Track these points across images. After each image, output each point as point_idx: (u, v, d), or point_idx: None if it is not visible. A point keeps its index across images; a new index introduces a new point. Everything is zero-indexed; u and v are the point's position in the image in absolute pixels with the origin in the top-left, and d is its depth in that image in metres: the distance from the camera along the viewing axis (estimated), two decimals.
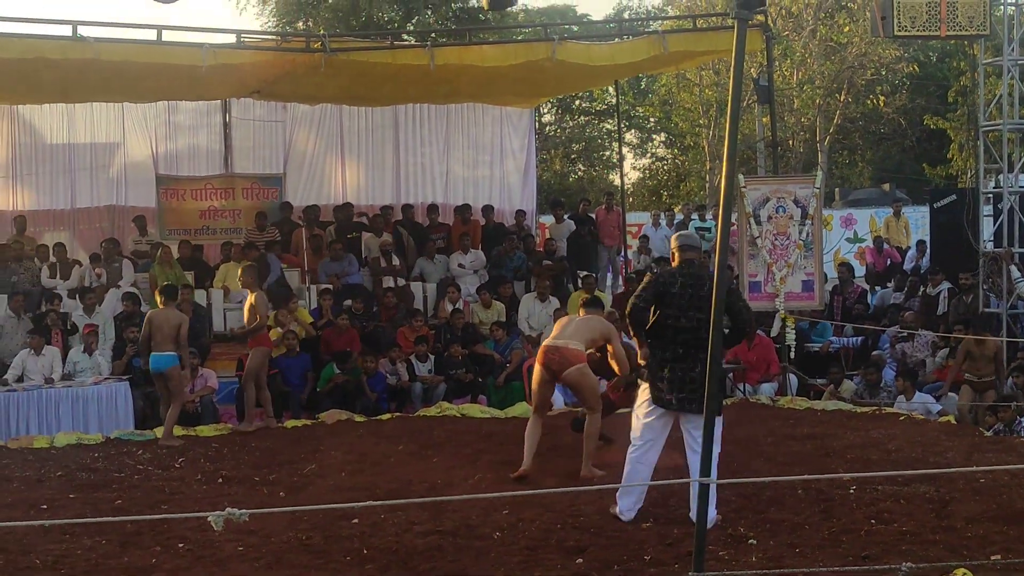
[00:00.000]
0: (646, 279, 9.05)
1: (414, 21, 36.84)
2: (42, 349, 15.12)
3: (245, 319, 14.46)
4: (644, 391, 8.88)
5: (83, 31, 14.58)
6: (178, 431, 13.67)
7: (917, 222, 26.56)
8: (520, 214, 21.72)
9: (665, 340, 8.64)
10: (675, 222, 24.44)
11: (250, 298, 14.25)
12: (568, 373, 10.42)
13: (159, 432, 13.54)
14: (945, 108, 32.42)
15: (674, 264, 9.02)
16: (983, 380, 14.80)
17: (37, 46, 14.46)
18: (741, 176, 16.73)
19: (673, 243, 9.16)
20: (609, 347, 10.81)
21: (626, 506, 8.67)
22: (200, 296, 17.35)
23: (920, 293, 18.54)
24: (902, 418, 13.49)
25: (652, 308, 8.73)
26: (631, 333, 9.12)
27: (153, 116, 20.09)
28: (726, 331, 8.07)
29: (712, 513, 7.90)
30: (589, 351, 10.70)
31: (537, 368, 10.70)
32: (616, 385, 11.13)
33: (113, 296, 17.06)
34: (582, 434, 10.61)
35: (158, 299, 14.00)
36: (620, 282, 21.47)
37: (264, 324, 14.51)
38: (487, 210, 21.17)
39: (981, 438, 12.14)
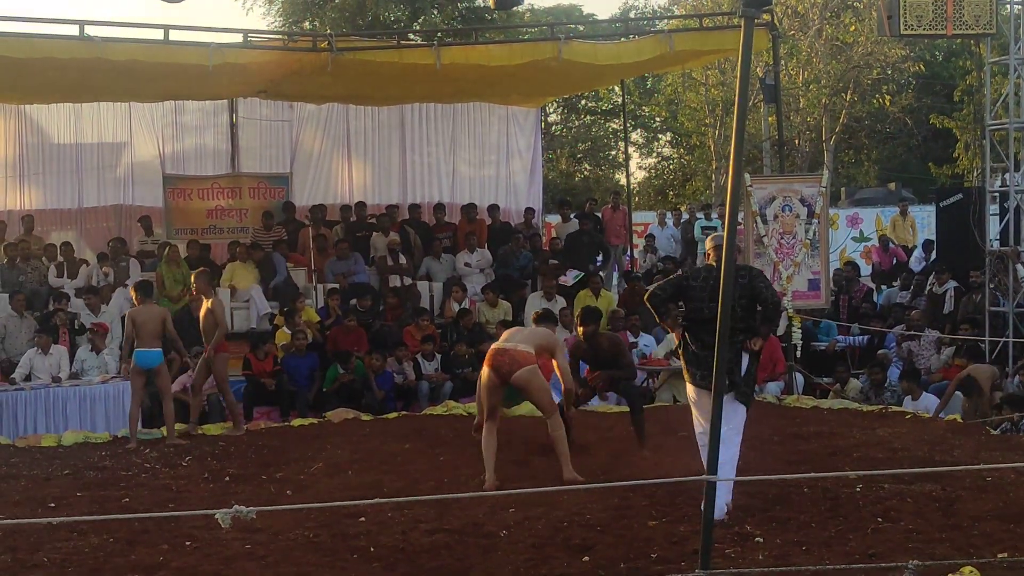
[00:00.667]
0: (668, 277, 9.70)
1: (420, 21, 36.88)
2: (50, 348, 15.14)
3: (201, 326, 14.04)
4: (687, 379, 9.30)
5: (90, 31, 14.63)
6: (184, 429, 13.70)
7: (923, 221, 26.54)
8: (529, 212, 21.75)
9: (695, 331, 8.98)
10: (681, 221, 24.46)
11: (206, 303, 13.92)
12: (518, 375, 10.11)
13: (164, 431, 13.57)
14: (951, 107, 32.31)
15: (710, 262, 9.34)
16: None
17: (44, 46, 14.50)
18: (747, 175, 16.76)
19: (708, 244, 9.47)
20: (553, 360, 10.61)
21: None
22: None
23: (926, 292, 18.53)
24: (908, 417, 13.49)
25: (677, 301, 9.27)
26: (657, 320, 9.71)
27: (160, 116, 20.14)
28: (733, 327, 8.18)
29: (723, 503, 8.30)
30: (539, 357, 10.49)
31: (485, 371, 10.35)
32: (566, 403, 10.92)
33: (120, 295, 17.09)
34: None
35: (134, 296, 13.86)
36: (617, 280, 21.51)
37: (225, 330, 14.17)
38: (493, 209, 21.18)
39: (988, 436, 12.14)
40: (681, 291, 9.15)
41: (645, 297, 9.47)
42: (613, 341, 12.08)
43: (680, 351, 9.33)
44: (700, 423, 9.14)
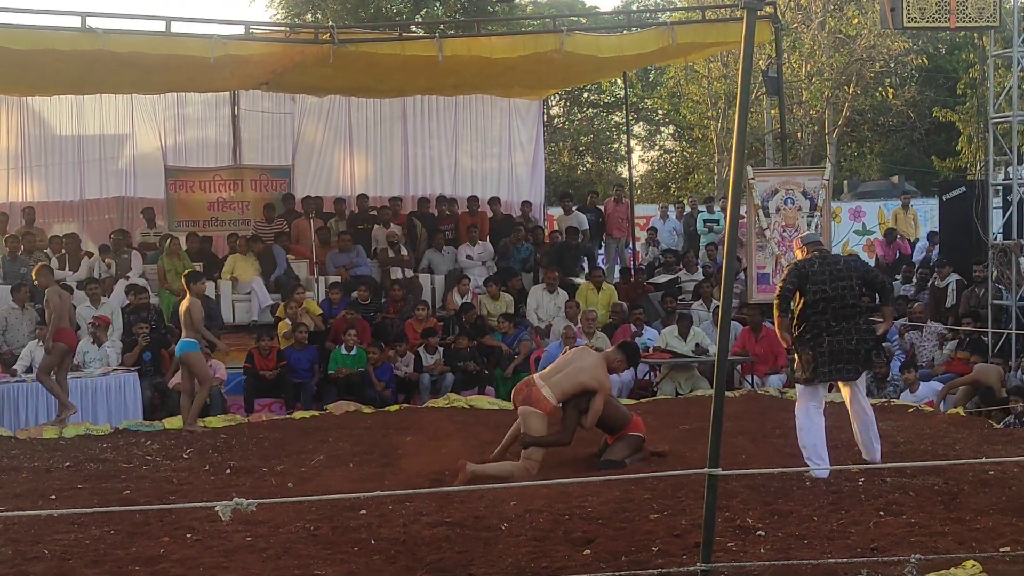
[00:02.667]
0: (787, 271, 10.20)
1: (422, 13, 36.76)
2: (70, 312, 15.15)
3: (48, 317, 13.96)
4: (799, 367, 10.02)
5: (92, 22, 14.64)
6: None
7: (926, 214, 26.49)
8: (526, 205, 21.73)
9: (817, 315, 9.80)
10: (684, 214, 24.44)
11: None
12: (523, 409, 10.42)
13: (169, 423, 13.61)
14: (954, 100, 32.23)
15: (806, 256, 10.14)
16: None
17: (46, 38, 14.51)
18: (750, 168, 16.75)
19: (797, 245, 10.50)
20: (594, 401, 10.48)
21: (821, 464, 9.61)
22: (209, 288, 17.35)
23: (928, 286, 18.50)
24: (910, 410, 13.48)
25: (796, 294, 9.97)
26: (775, 321, 10.18)
27: (162, 108, 20.16)
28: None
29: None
30: (562, 401, 10.43)
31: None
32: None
33: (122, 287, 17.09)
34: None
35: (188, 286, 13.89)
36: (617, 274, 21.47)
37: (62, 319, 13.83)
38: (494, 202, 21.18)
39: (990, 430, 12.12)
40: (801, 280, 9.87)
41: (777, 297, 10.05)
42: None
43: (802, 352, 9.90)
44: (802, 407, 9.93)
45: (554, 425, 10.45)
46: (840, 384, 10.17)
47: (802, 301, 9.91)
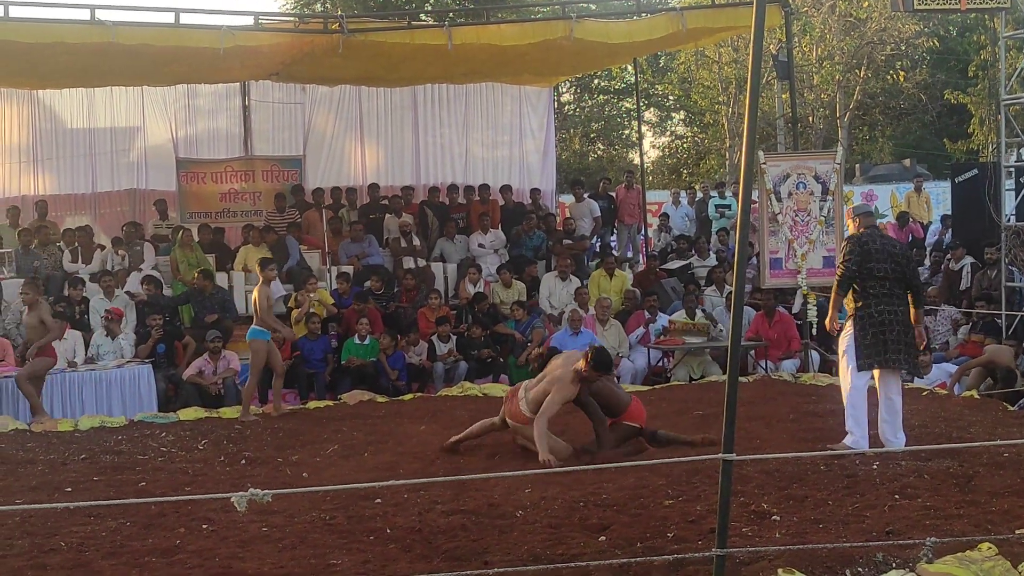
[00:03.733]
0: (846, 247, 10.10)
1: (432, 1, 36.77)
2: (64, 333, 15.16)
3: (32, 333, 13.94)
4: (845, 336, 10.11)
5: (101, 15, 14.63)
6: (200, 413, 13.80)
7: (938, 197, 26.44)
8: (535, 192, 21.73)
9: (876, 297, 9.89)
10: (696, 200, 24.41)
11: (36, 312, 13.86)
12: (512, 425, 10.71)
13: (183, 414, 13.70)
14: (966, 82, 32.16)
15: (858, 230, 10.16)
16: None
17: (56, 30, 14.53)
18: (761, 153, 16.70)
19: (849, 215, 10.76)
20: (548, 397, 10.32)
21: (860, 435, 9.87)
22: (222, 279, 17.42)
23: (943, 269, 18.46)
24: (924, 394, 13.46)
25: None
26: (832, 299, 10.26)
27: (172, 100, 20.20)
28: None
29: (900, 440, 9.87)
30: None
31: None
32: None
33: (135, 279, 17.13)
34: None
35: (262, 273, 13.97)
36: (641, 260, 21.46)
37: (55, 335, 14.08)
38: (506, 190, 21.18)
39: (1005, 413, 12.10)
40: (864, 256, 9.86)
41: (839, 278, 10.00)
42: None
43: (859, 333, 9.94)
44: (851, 382, 10.04)
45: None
46: (879, 369, 10.08)
47: (861, 278, 9.93)
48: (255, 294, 13.72)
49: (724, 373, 12.30)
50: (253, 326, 13.66)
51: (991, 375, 14.41)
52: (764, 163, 15.99)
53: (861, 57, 35.66)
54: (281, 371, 14.03)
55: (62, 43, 14.55)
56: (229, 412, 13.98)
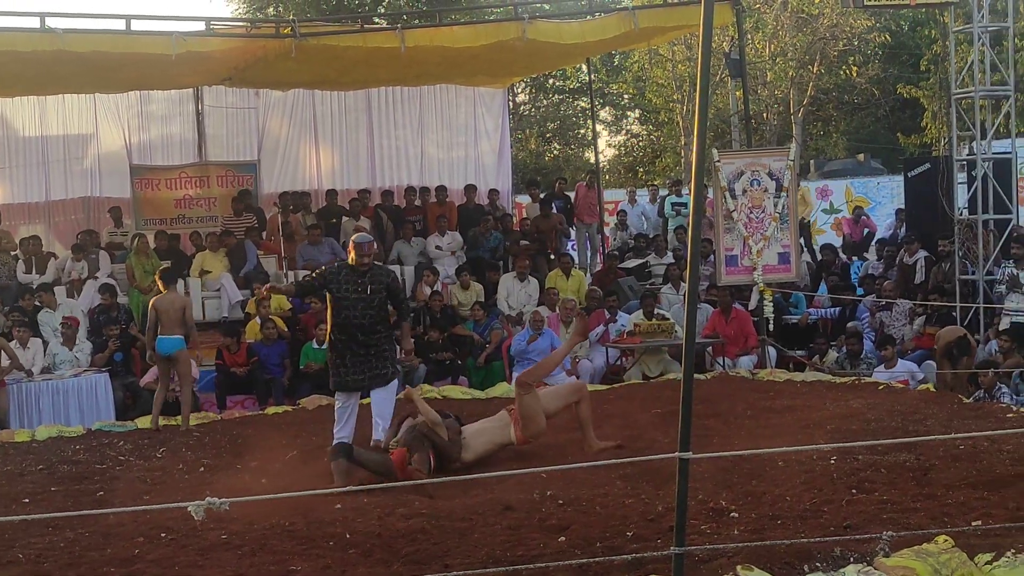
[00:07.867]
0: None
1: (384, 4, 36.72)
2: (28, 342, 15.10)
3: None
4: None
5: (51, 23, 14.53)
6: (161, 421, 13.70)
7: (892, 191, 26.58)
8: (493, 193, 21.75)
9: None
10: (659, 197, 24.41)
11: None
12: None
13: (141, 422, 13.61)
14: (918, 76, 32.37)
15: None
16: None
17: (5, 39, 14.43)
18: (715, 150, 16.78)
19: None
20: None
21: None
22: (178, 286, 17.31)
23: (897, 263, 18.57)
24: (881, 387, 13.54)
25: None
26: None
27: (126, 107, 20.04)
28: None
29: None
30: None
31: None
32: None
33: (91, 288, 17.04)
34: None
35: (159, 284, 13.81)
36: (598, 260, 21.52)
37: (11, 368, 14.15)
38: (470, 189, 21.21)
39: (960, 405, 12.18)
40: None
41: None
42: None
43: None
44: None
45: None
46: None
47: None
48: (173, 304, 13.56)
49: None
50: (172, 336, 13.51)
51: (950, 356, 14.51)
52: (718, 161, 16.07)
53: (814, 53, 35.84)
54: (190, 382, 13.96)
55: (12, 51, 14.44)
56: (193, 419, 13.85)
